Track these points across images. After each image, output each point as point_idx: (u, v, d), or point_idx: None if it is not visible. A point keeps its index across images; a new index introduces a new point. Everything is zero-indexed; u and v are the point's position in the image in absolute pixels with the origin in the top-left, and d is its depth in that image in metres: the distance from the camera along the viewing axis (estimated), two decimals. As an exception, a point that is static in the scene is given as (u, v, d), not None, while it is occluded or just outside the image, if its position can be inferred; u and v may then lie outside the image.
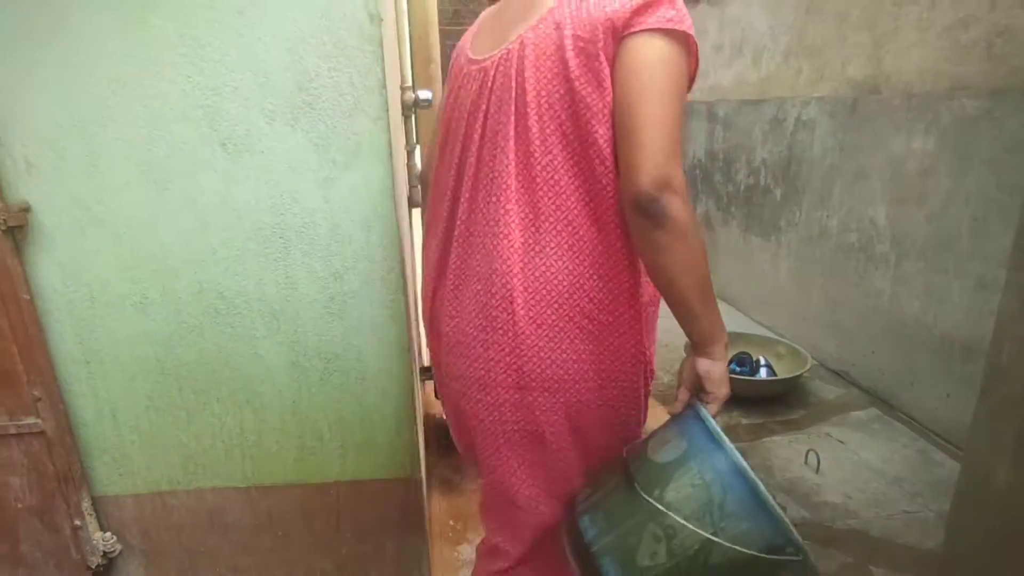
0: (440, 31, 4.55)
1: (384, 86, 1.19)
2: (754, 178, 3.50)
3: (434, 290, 1.09)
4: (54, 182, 1.16)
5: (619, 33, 0.84)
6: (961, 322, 2.25)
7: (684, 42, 0.85)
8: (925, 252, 2.41)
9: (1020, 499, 0.87)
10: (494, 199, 0.93)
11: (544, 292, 0.91)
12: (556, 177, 0.89)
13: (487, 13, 1.12)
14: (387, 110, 1.22)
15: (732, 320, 2.53)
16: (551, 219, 0.89)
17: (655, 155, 0.81)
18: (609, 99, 0.85)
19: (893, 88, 2.51)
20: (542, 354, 0.91)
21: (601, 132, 0.86)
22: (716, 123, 3.85)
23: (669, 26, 0.83)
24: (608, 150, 0.86)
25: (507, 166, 0.91)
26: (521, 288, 0.91)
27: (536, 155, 0.89)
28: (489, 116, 0.95)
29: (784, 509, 0.78)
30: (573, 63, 0.85)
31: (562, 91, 0.87)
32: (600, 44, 0.84)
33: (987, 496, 0.92)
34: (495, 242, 0.92)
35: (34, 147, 1.13)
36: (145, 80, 1.12)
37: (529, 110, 0.89)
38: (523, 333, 0.91)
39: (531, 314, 0.90)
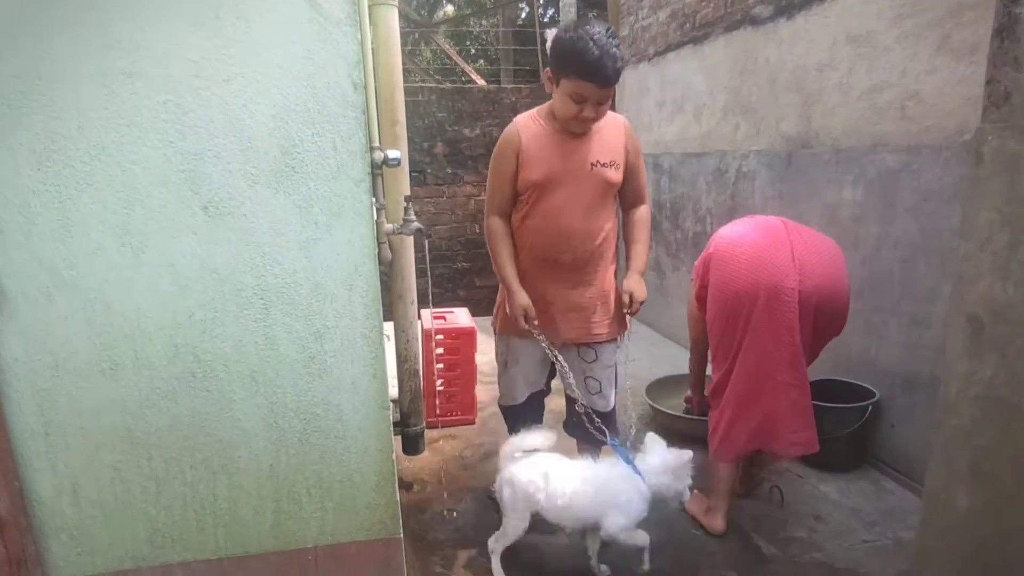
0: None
1: (367, 150, 1.24)
2: (700, 225, 3.69)
3: None
4: (22, 247, 1.13)
5: None
6: (899, 356, 2.41)
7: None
8: (863, 292, 2.59)
9: (979, 523, 0.95)
10: None
11: None
12: None
13: None
14: (370, 172, 1.26)
15: (686, 360, 2.61)
16: None
17: None
18: None
19: (822, 143, 2.74)
20: None
21: None
22: (662, 174, 4.07)
23: None
24: None
25: None
26: None
27: None
28: None
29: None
30: None
31: None
32: None
33: (949, 522, 0.99)
34: None
35: (3, 213, 1.10)
36: (126, 146, 1.12)
37: None
38: None
39: None
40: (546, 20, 9.39)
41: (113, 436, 1.24)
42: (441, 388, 2.90)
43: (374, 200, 1.92)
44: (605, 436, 1.94)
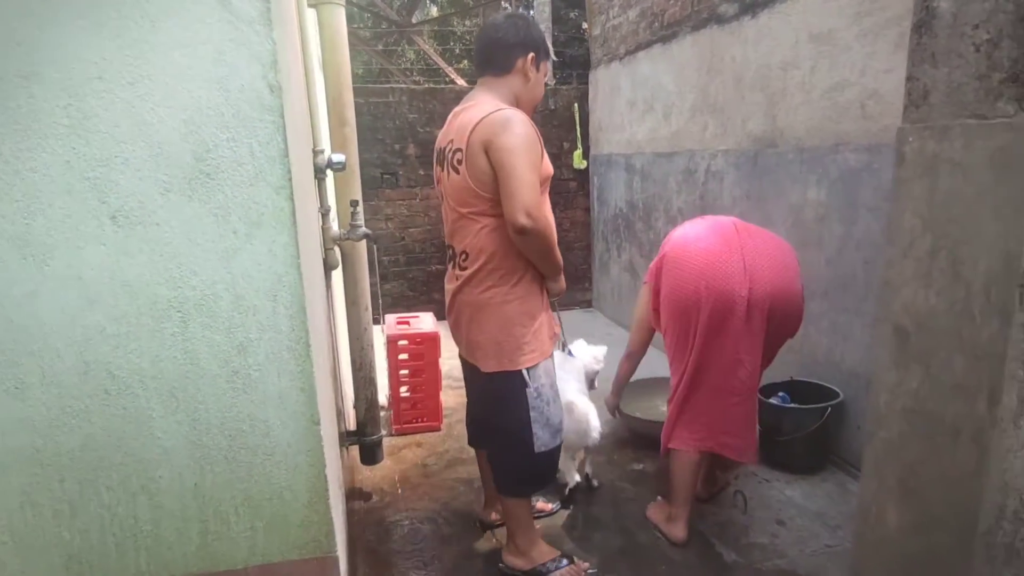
0: (366, 89, 4.60)
1: (286, 155, 1.18)
2: (672, 225, 3.65)
3: None
4: (-88, 263, 1.06)
5: None
6: (863, 357, 2.39)
7: None
8: (828, 293, 2.57)
9: (909, 540, 0.91)
10: None
11: None
12: None
13: None
14: (290, 179, 1.20)
15: (657, 363, 2.58)
16: None
17: None
18: None
19: (787, 143, 2.71)
20: None
21: None
22: (634, 174, 4.04)
23: None
24: None
25: None
26: None
27: None
28: None
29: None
30: None
31: None
32: None
33: (881, 536, 0.96)
34: None
35: None
36: (24, 152, 1.06)
37: None
38: None
39: None
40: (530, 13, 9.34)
41: (20, 458, 1.17)
42: (406, 395, 2.86)
43: (319, 205, 1.88)
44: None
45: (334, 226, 1.93)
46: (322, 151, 1.80)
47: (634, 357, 2.43)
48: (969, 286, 0.79)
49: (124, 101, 1.09)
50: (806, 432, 2.40)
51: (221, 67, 1.12)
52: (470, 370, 1.84)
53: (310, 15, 1.94)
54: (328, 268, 1.93)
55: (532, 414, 1.72)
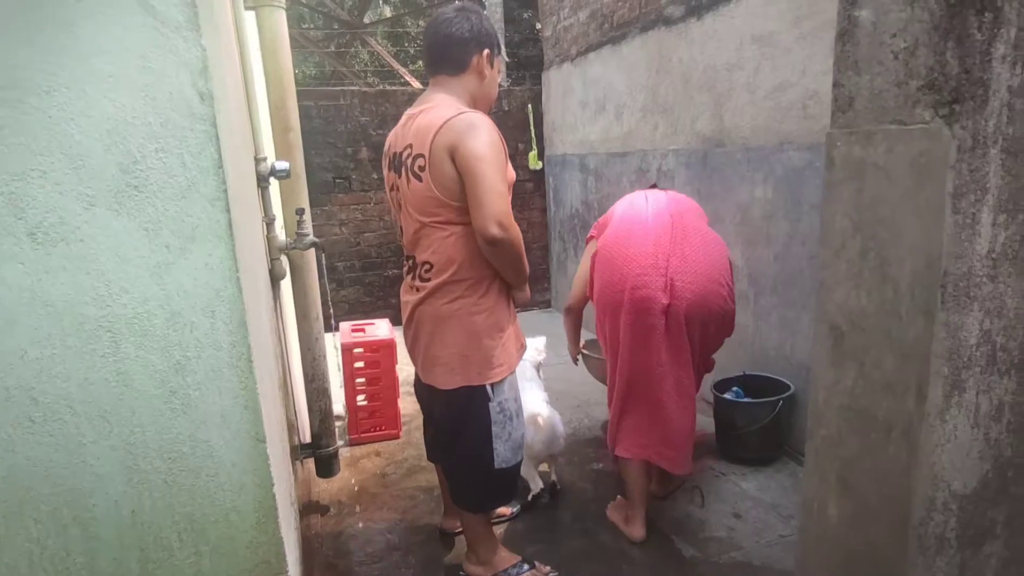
0: (316, 92, 4.51)
1: (220, 165, 1.14)
2: (627, 225, 3.70)
3: None
4: None
5: None
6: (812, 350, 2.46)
7: None
8: (777, 288, 2.64)
9: (849, 533, 0.94)
10: None
11: None
12: None
13: None
14: (226, 190, 1.16)
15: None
16: None
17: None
18: None
19: (734, 142, 2.78)
20: None
21: None
22: (588, 174, 4.07)
23: None
24: None
25: None
26: None
27: None
28: None
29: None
30: None
31: None
32: None
33: (822, 531, 0.98)
34: None
35: None
36: (-73, 167, 0.99)
37: None
38: None
39: None
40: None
41: (-62, 493, 1.10)
42: (363, 403, 2.81)
43: (263, 214, 1.82)
44: None
45: (280, 235, 1.88)
46: (265, 159, 1.75)
47: (573, 311, 2.40)
48: (896, 286, 0.82)
49: (39, 111, 1.03)
50: (759, 425, 2.46)
51: (146, 74, 1.07)
52: (428, 391, 1.73)
53: (249, 18, 1.88)
54: (275, 279, 1.88)
55: (494, 429, 1.66)
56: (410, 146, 1.54)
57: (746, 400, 2.56)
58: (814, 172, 2.36)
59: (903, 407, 0.83)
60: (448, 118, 1.48)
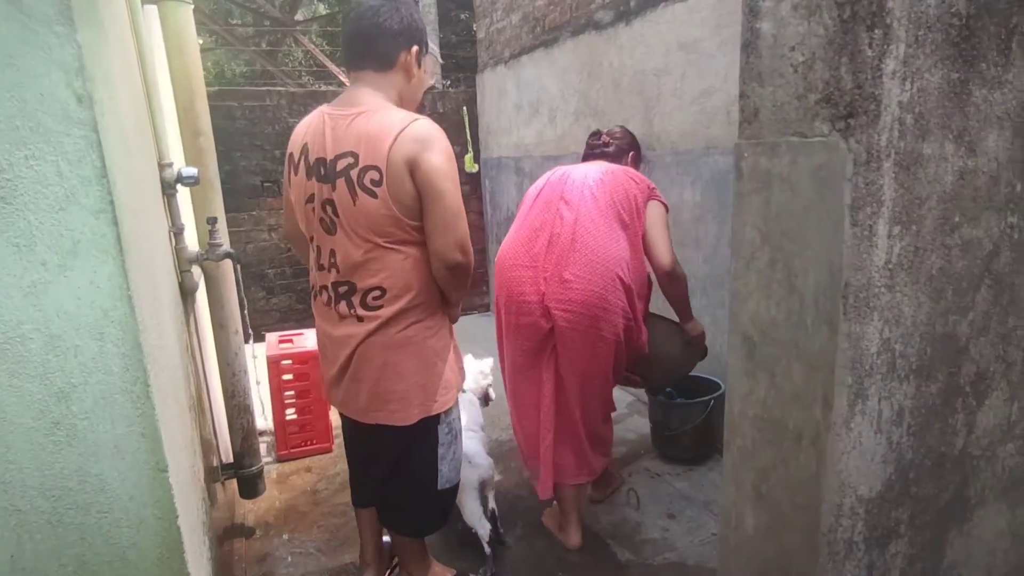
0: (241, 92, 4.31)
1: (104, 174, 1.04)
2: (563, 228, 3.71)
3: None
4: None
5: None
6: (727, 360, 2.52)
7: None
8: (707, 290, 2.69)
9: (765, 541, 0.95)
10: None
11: None
12: None
13: None
14: (112, 200, 1.06)
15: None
16: None
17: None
18: None
19: (664, 146, 2.82)
20: None
21: None
22: (524, 177, 4.06)
23: None
24: None
25: None
26: None
27: None
28: None
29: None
30: None
31: None
32: None
33: (740, 540, 0.99)
34: None
35: None
36: None
37: None
38: None
39: None
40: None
41: None
42: (292, 417, 2.69)
43: (169, 224, 1.71)
44: None
45: (190, 246, 1.76)
46: (170, 165, 1.63)
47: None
48: (802, 297, 0.82)
49: None
50: (693, 425, 2.50)
51: (12, 73, 0.96)
52: (372, 433, 1.55)
53: (151, 15, 1.76)
54: (186, 292, 1.76)
55: (440, 451, 1.58)
56: (351, 155, 1.35)
57: (679, 401, 2.60)
58: (738, 176, 2.42)
59: (811, 416, 0.84)
60: (403, 126, 1.33)
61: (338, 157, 1.37)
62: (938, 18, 0.74)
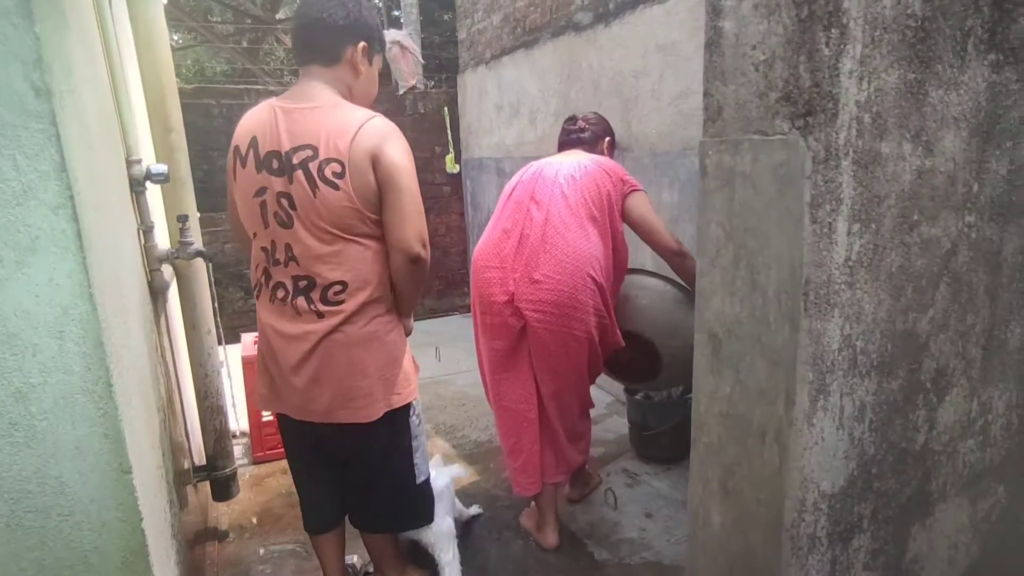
0: (218, 90, 4.25)
1: (63, 168, 1.02)
2: (544, 229, 3.72)
3: None
4: None
5: None
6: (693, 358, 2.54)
7: None
8: (683, 290, 2.71)
9: (730, 539, 0.96)
10: None
11: None
12: None
13: None
14: (72, 196, 1.04)
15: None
16: None
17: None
18: None
19: (642, 147, 2.84)
20: None
21: None
22: (505, 178, 4.06)
23: None
24: None
25: None
26: None
27: None
28: None
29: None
30: None
31: None
32: None
33: (707, 537, 1.00)
34: None
35: None
36: None
37: None
38: None
39: None
40: (396, 15, 9.16)
41: None
42: (268, 418, 2.66)
43: (137, 222, 1.68)
44: None
45: (161, 244, 1.74)
46: (139, 161, 1.60)
47: None
48: (765, 294, 0.83)
49: None
50: (671, 424, 2.51)
51: (-34, 66, 0.94)
52: (337, 433, 1.50)
53: (119, 8, 1.73)
54: (156, 291, 1.73)
55: (414, 443, 1.58)
56: (310, 148, 1.34)
57: (657, 401, 2.61)
58: (714, 177, 2.44)
59: (774, 412, 0.85)
60: (363, 122, 1.35)
61: (295, 150, 1.35)
62: (894, 19, 0.75)
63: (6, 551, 1.10)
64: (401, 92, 4.57)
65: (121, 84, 1.58)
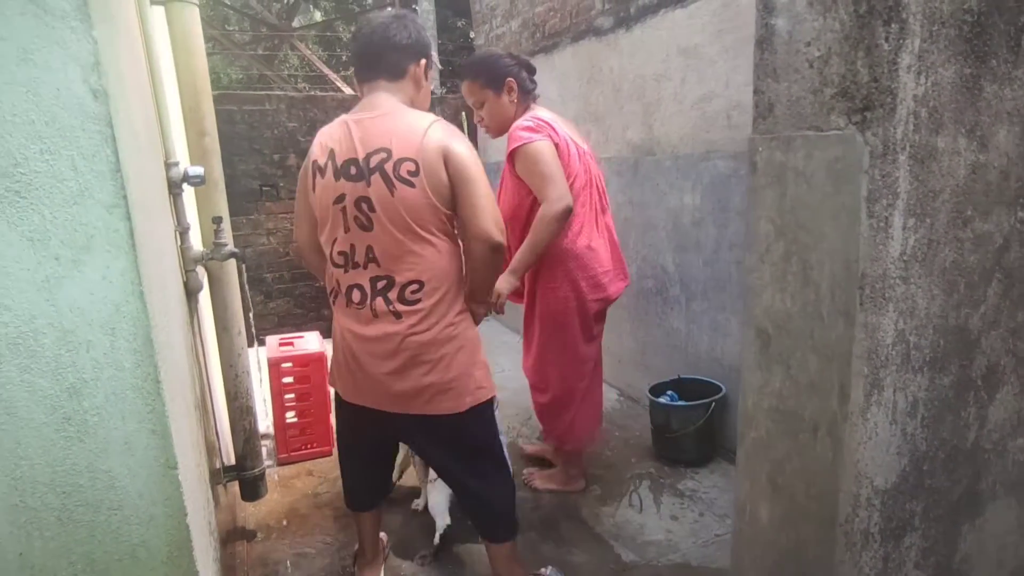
0: (240, 96, 4.31)
1: (118, 169, 1.04)
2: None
3: None
4: None
5: None
6: (741, 353, 2.54)
7: None
8: (707, 293, 2.71)
9: (780, 533, 0.95)
10: None
11: None
12: None
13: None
14: (125, 196, 1.06)
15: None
16: None
17: None
18: None
19: (664, 151, 2.84)
20: None
21: None
22: (524, 182, 4.08)
23: None
24: None
25: None
26: None
27: None
28: None
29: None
30: None
31: None
32: None
33: (754, 533, 0.99)
34: None
35: None
36: None
37: None
38: None
39: None
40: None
41: None
42: (293, 420, 2.68)
43: (175, 223, 1.70)
44: None
45: (196, 246, 1.76)
46: (176, 164, 1.63)
47: None
48: (818, 289, 0.83)
49: (-102, 107, 0.91)
50: (694, 427, 2.51)
51: (28, 68, 0.96)
52: (422, 425, 1.55)
53: (158, 15, 1.76)
54: (191, 292, 1.75)
55: (502, 438, 1.67)
56: (384, 150, 1.41)
57: (680, 403, 2.61)
58: (739, 180, 2.44)
59: (827, 407, 0.85)
60: (429, 123, 1.44)
61: (370, 154, 1.42)
62: (951, 14, 0.75)
63: (58, 544, 1.12)
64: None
65: (160, 88, 1.61)
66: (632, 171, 3.05)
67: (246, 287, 1.89)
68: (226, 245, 1.79)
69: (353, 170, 1.44)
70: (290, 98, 4.27)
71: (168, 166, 1.62)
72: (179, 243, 1.71)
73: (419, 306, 1.46)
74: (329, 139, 1.51)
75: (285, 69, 9.55)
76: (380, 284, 1.47)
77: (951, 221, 0.84)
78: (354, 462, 1.79)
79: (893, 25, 0.72)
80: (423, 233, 1.43)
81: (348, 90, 6.78)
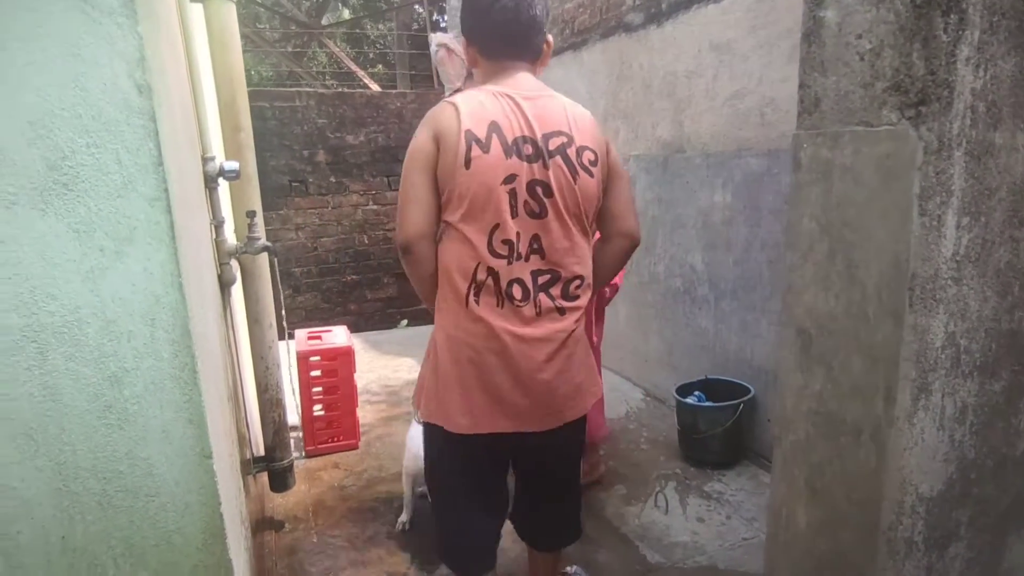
0: (271, 93, 4.37)
1: (160, 163, 1.06)
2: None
3: None
4: None
5: None
6: (771, 354, 2.49)
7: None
8: (737, 293, 2.66)
9: (818, 539, 0.93)
10: None
11: None
12: None
13: None
14: (167, 189, 1.08)
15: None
16: None
17: None
18: None
19: (694, 148, 2.80)
20: None
21: None
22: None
23: None
24: None
25: None
26: None
27: None
28: None
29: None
30: None
31: None
32: None
33: (791, 537, 0.97)
34: None
35: None
36: None
37: None
38: None
39: None
40: (443, 25, 9.28)
41: None
42: (320, 413, 2.71)
43: (210, 216, 1.73)
44: None
45: (230, 239, 1.79)
46: (213, 158, 1.66)
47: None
48: (864, 289, 0.81)
49: (-49, 100, 0.93)
50: (722, 428, 2.47)
51: (76, 63, 0.98)
52: (546, 441, 1.38)
53: (196, 12, 1.79)
54: (225, 284, 1.78)
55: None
56: (563, 134, 1.28)
57: (708, 404, 2.57)
58: (772, 178, 2.39)
59: (872, 411, 0.83)
60: (587, 112, 1.36)
61: (548, 136, 1.27)
62: (1012, 5, 0.72)
63: (98, 529, 1.14)
64: (448, 94, 4.62)
65: (197, 84, 1.64)
66: (661, 169, 3.01)
67: (278, 281, 1.91)
68: (259, 239, 1.81)
69: (529, 149, 1.25)
70: (320, 95, 4.32)
71: (205, 160, 1.64)
72: (214, 236, 1.74)
73: (579, 302, 1.34)
74: (483, 110, 1.26)
75: (314, 66, 9.67)
76: (542, 279, 1.30)
77: (1007, 220, 0.80)
78: (471, 511, 1.47)
79: (952, 15, 0.70)
80: (587, 226, 1.33)
81: (375, 86, 6.83)
